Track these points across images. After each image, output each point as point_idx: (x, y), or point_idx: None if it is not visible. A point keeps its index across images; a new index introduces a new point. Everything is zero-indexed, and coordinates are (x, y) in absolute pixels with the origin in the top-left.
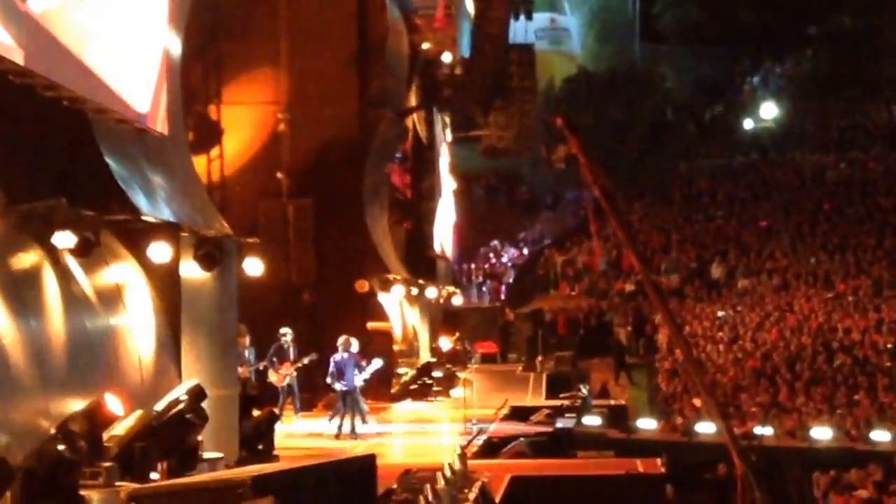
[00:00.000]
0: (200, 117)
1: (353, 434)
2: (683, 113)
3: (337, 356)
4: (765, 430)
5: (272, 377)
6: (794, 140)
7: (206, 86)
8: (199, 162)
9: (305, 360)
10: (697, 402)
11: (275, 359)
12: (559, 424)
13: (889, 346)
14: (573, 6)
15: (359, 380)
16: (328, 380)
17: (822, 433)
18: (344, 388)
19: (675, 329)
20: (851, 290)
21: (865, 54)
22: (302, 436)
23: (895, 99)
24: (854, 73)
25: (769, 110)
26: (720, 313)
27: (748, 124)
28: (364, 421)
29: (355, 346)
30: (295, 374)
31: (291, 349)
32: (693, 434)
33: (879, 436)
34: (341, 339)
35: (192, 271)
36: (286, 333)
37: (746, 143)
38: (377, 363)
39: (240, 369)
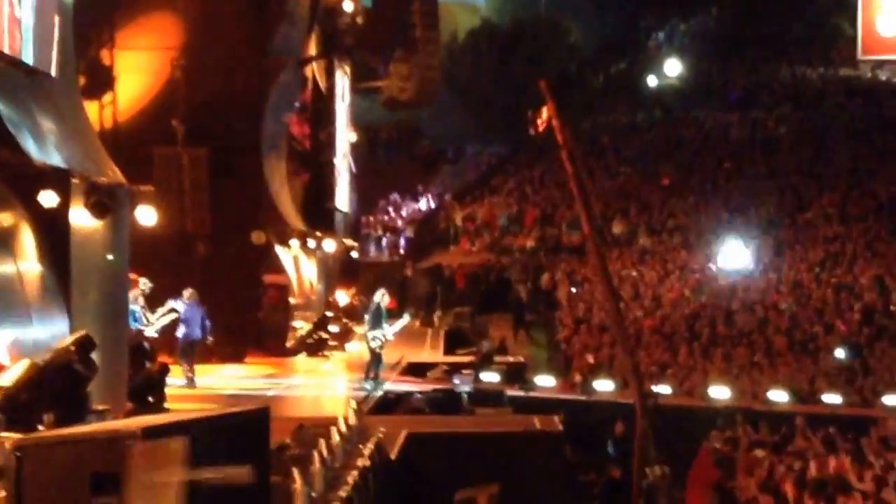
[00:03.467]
0: (93, 62)
1: (192, 384)
2: (587, 68)
3: (180, 306)
4: (663, 389)
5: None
6: (698, 98)
7: (99, 30)
8: (92, 108)
9: (166, 309)
10: (590, 357)
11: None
12: (456, 381)
13: (784, 306)
14: None
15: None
16: (178, 332)
17: (719, 393)
18: (189, 339)
19: (609, 287)
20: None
21: (770, 13)
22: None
23: (799, 58)
24: (758, 32)
25: (673, 67)
26: (622, 271)
27: (652, 81)
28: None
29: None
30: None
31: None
32: (591, 392)
33: (777, 396)
34: (188, 291)
35: (82, 219)
36: (144, 285)
37: (650, 100)
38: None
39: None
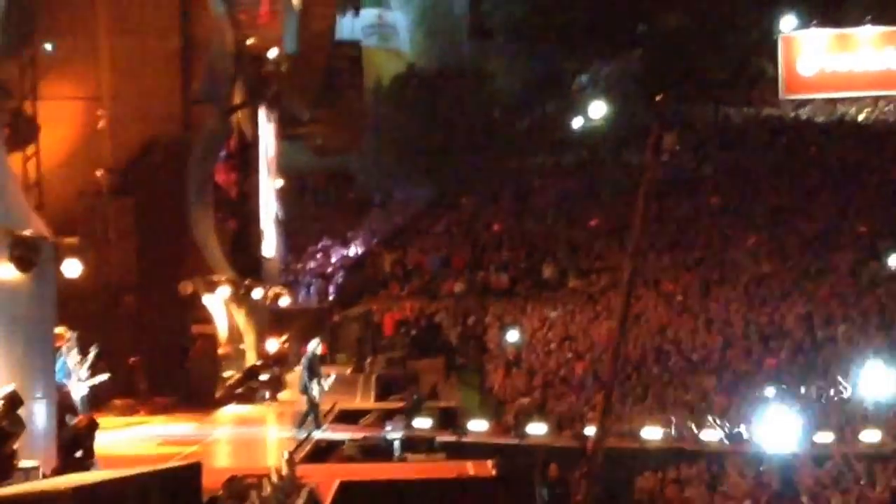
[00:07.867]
0: (15, 114)
1: None
2: (512, 111)
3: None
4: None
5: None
6: (623, 139)
7: (22, 81)
8: (15, 159)
9: (89, 358)
10: (525, 400)
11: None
12: (389, 427)
13: (717, 345)
14: (401, 2)
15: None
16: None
17: (651, 433)
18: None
19: (621, 326)
20: (680, 290)
21: (694, 54)
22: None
23: (724, 99)
24: (682, 73)
25: (598, 109)
26: (551, 314)
27: (577, 123)
28: None
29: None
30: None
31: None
32: (524, 435)
33: (708, 435)
34: None
35: (6, 273)
36: (69, 339)
37: (575, 142)
38: None
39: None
